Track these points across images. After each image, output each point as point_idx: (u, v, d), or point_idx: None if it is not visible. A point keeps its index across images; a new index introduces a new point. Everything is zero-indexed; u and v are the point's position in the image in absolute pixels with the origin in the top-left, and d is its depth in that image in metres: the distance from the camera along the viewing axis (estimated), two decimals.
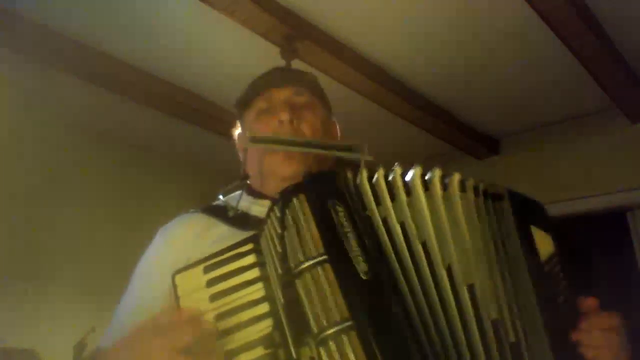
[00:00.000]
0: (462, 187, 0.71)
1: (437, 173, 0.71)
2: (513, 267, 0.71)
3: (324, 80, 1.76)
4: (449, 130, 2.83)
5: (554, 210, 2.85)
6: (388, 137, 2.94)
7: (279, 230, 0.68)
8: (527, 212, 0.75)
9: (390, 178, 0.71)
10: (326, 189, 0.69)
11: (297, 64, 2.05)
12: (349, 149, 0.91)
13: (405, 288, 0.65)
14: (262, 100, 0.99)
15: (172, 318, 0.67)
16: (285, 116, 0.93)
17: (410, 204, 0.69)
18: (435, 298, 0.65)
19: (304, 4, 1.96)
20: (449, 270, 0.67)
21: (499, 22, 2.05)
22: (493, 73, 2.42)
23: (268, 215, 0.72)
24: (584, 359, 0.68)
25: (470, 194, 0.72)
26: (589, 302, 0.72)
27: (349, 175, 0.71)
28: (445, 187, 0.71)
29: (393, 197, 0.70)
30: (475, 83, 2.51)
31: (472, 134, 2.96)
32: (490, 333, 0.65)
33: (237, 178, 0.97)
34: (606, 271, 2.80)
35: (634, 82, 2.36)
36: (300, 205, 0.67)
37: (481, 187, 0.73)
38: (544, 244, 0.73)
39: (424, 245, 0.67)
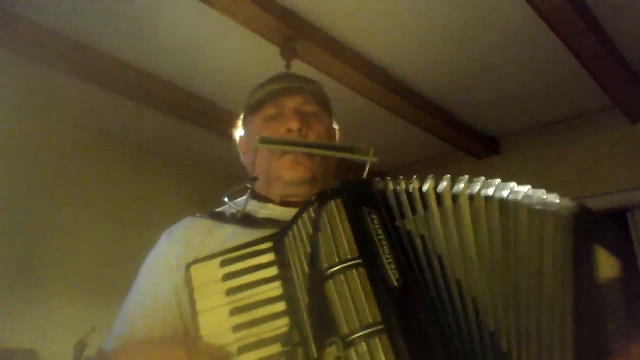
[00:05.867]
0: (472, 199, 0.70)
1: (447, 187, 0.71)
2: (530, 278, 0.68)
3: (324, 80, 1.76)
4: (449, 130, 2.83)
5: None
6: (388, 137, 2.94)
7: (311, 231, 0.70)
8: (592, 230, 0.72)
9: (410, 191, 0.72)
10: (362, 196, 0.71)
11: (297, 64, 2.06)
12: (354, 150, 0.92)
13: (427, 298, 0.66)
14: (271, 107, 1.00)
15: (194, 342, 0.69)
16: (295, 125, 0.94)
17: (427, 219, 0.70)
18: (450, 309, 0.66)
19: (304, 4, 1.96)
20: (459, 283, 0.68)
21: (499, 22, 2.05)
22: (493, 73, 2.42)
23: (299, 215, 0.73)
24: None
25: (479, 203, 0.70)
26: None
27: (381, 185, 0.73)
28: (455, 199, 0.70)
29: (414, 211, 0.71)
30: (475, 83, 2.51)
31: (472, 134, 2.96)
32: (489, 343, 0.66)
33: (237, 179, 0.97)
34: None
35: (634, 82, 2.36)
36: (337, 209, 0.69)
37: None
38: (606, 266, 0.69)
39: (440, 259, 0.68)
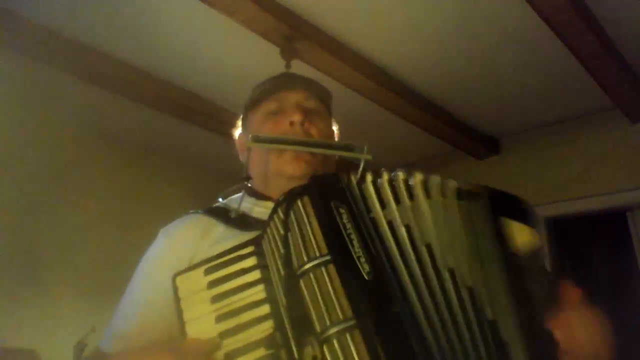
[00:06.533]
0: (443, 192, 0.72)
1: (418, 177, 0.72)
2: (486, 260, 0.70)
3: (324, 80, 1.76)
4: (449, 130, 2.83)
5: (554, 210, 2.87)
6: (388, 137, 2.94)
7: (282, 232, 0.69)
8: (503, 206, 0.74)
9: (394, 182, 0.72)
10: (330, 191, 0.70)
11: (297, 64, 2.06)
12: (349, 148, 0.91)
13: (410, 288, 0.65)
14: (273, 102, 0.99)
15: (184, 344, 0.69)
16: (297, 118, 0.93)
17: (413, 208, 0.70)
18: (441, 299, 0.66)
19: (304, 4, 1.96)
20: (452, 272, 0.67)
21: (499, 22, 2.06)
22: (493, 73, 2.42)
23: (271, 217, 0.73)
24: (558, 351, 0.67)
25: (452, 197, 0.72)
26: (569, 293, 0.71)
27: (353, 177, 0.72)
28: (428, 191, 0.71)
29: (398, 200, 0.70)
30: (475, 83, 2.51)
31: (472, 134, 2.97)
32: (488, 332, 0.65)
33: (237, 178, 0.97)
34: (606, 271, 2.80)
35: (634, 82, 2.36)
36: (304, 207, 0.68)
37: (463, 188, 0.73)
38: (522, 236, 0.72)
39: (428, 247, 0.68)
